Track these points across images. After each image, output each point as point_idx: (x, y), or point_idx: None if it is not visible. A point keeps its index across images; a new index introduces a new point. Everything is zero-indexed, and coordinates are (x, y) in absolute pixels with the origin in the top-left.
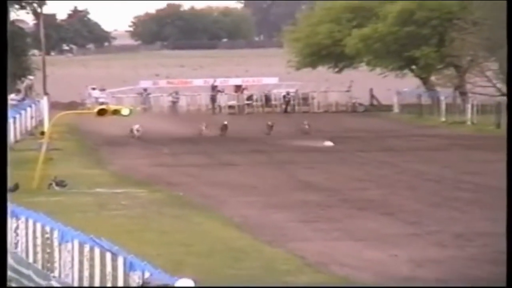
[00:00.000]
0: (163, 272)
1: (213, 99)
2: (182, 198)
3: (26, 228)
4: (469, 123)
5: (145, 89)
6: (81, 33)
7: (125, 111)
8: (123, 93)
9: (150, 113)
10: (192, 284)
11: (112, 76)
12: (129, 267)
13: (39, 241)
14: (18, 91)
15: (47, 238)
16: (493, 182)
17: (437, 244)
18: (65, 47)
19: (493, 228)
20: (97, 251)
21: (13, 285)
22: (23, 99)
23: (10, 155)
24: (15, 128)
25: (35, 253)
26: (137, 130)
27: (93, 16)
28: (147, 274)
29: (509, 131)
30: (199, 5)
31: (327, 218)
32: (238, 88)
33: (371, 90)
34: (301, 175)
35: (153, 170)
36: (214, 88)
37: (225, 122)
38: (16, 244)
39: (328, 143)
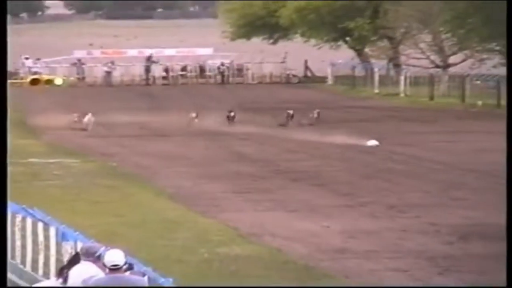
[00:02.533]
0: (95, 242)
1: (147, 70)
2: (115, 169)
3: None
4: (402, 95)
5: (79, 59)
6: (14, 2)
7: (58, 81)
8: (57, 63)
9: (83, 84)
10: (121, 254)
11: (46, 45)
12: (61, 237)
13: None
14: None
15: None
16: (425, 154)
17: (369, 215)
18: None
19: (425, 199)
20: (29, 221)
21: None
22: None
23: None
24: None
25: None
26: (89, 121)
27: None
28: (79, 244)
29: (509, 130)
30: None
31: (260, 189)
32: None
33: (305, 61)
34: (235, 146)
35: (86, 140)
36: (148, 58)
37: (232, 114)
38: None
39: (373, 143)
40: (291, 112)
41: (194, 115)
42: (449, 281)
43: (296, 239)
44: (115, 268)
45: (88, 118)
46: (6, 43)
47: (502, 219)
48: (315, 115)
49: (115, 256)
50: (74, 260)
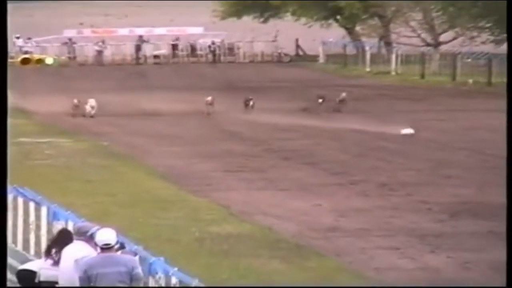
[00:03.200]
0: (87, 221)
1: (137, 49)
2: (106, 148)
3: None
4: (393, 73)
5: (70, 39)
6: None
7: (49, 60)
8: (48, 43)
9: (74, 63)
10: (113, 234)
11: (36, 25)
12: (53, 216)
13: None
14: None
15: None
16: (416, 132)
17: (361, 194)
18: None
19: (416, 178)
20: (20, 200)
21: None
22: None
23: None
24: None
25: None
26: (92, 107)
27: None
28: (70, 223)
29: (509, 131)
30: None
31: (251, 168)
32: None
33: (296, 40)
34: (226, 125)
35: (78, 120)
36: (139, 37)
37: (251, 102)
38: None
39: (408, 131)
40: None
41: (209, 99)
42: (440, 258)
43: (287, 218)
44: (106, 248)
45: (90, 103)
46: (6, 43)
47: (492, 197)
48: (342, 98)
49: (107, 235)
50: (65, 239)
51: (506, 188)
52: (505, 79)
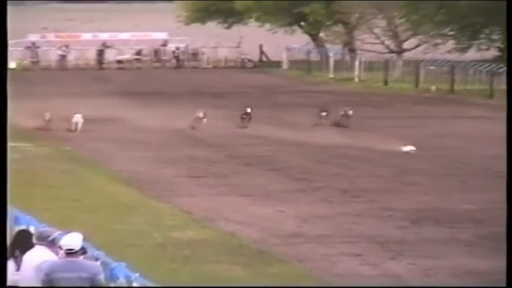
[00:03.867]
0: (49, 227)
1: (101, 54)
2: (70, 153)
3: None
4: (357, 80)
5: (33, 43)
6: None
7: (12, 65)
8: (11, 47)
9: (38, 68)
10: (79, 239)
11: None
12: (14, 222)
13: None
14: None
15: None
16: (379, 139)
17: (323, 200)
18: None
19: (378, 184)
20: None
21: None
22: None
23: None
24: None
25: None
26: (75, 124)
27: None
28: (31, 228)
29: (509, 131)
30: None
31: (214, 174)
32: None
33: (260, 46)
34: (190, 131)
35: (40, 124)
36: (103, 42)
37: (248, 110)
38: None
39: (409, 148)
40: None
41: (201, 114)
42: (402, 265)
43: (249, 224)
44: (70, 252)
45: (76, 118)
46: (7, 42)
47: (456, 204)
48: (349, 112)
49: (73, 240)
50: (25, 240)
51: (506, 188)
52: (468, 86)
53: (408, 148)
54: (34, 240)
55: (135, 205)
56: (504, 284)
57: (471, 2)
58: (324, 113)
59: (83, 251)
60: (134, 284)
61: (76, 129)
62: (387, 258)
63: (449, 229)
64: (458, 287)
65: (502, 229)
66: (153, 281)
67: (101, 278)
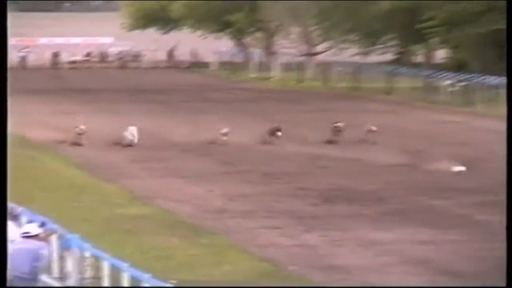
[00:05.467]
0: (12, 204)
1: (56, 55)
2: (30, 140)
3: None
4: (275, 79)
5: None
6: None
7: None
8: None
9: None
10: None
11: None
12: None
13: None
14: None
15: None
16: (294, 129)
17: (247, 181)
18: None
19: (295, 168)
20: None
21: None
22: None
23: None
24: None
25: None
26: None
27: None
28: None
29: (509, 130)
30: None
31: (154, 159)
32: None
33: (193, 49)
34: (133, 122)
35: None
36: (58, 45)
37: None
38: None
39: (459, 168)
40: (340, 125)
41: (224, 131)
42: (315, 237)
43: (184, 201)
44: (27, 236)
45: (131, 131)
46: (7, 43)
47: (362, 184)
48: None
49: (30, 228)
50: None
51: (506, 188)
52: (369, 85)
53: (459, 168)
54: None
55: (86, 186)
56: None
57: (373, 13)
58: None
59: (42, 224)
60: (86, 253)
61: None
62: (302, 231)
63: (355, 206)
64: (458, 287)
65: (400, 205)
66: (102, 250)
67: (44, 252)
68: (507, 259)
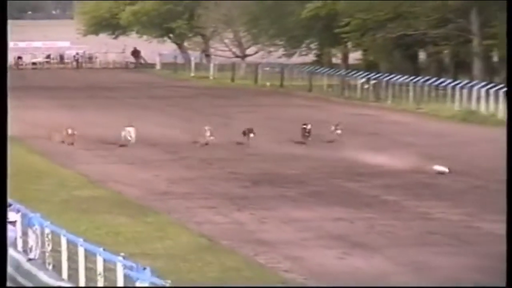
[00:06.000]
0: None
1: (19, 57)
2: None
3: None
4: (211, 77)
5: None
6: None
7: None
8: None
9: None
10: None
11: None
12: None
13: None
14: None
15: None
16: (226, 120)
17: (187, 167)
18: None
19: (227, 155)
20: None
21: None
22: None
23: None
24: None
25: None
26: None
27: None
28: None
29: (509, 130)
30: None
31: (105, 148)
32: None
33: (136, 51)
34: (87, 116)
35: None
36: (21, 49)
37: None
38: None
39: (440, 168)
40: (308, 127)
41: (208, 132)
42: (245, 215)
43: (132, 185)
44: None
45: (129, 132)
46: (6, 43)
47: (285, 169)
48: (338, 131)
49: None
50: None
51: (506, 188)
52: (293, 83)
53: (441, 168)
54: None
55: (46, 171)
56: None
57: (296, 20)
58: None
59: (9, 204)
60: (46, 230)
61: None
62: (234, 210)
63: (280, 188)
64: (458, 287)
65: (319, 188)
66: (60, 227)
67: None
68: (507, 259)
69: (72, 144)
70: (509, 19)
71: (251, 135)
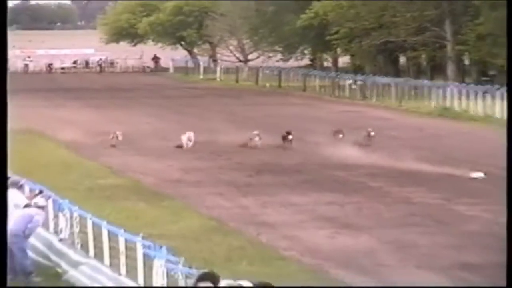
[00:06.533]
0: (15, 175)
1: (50, 63)
2: (26, 127)
3: None
4: (218, 79)
5: None
6: None
7: None
8: None
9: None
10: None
11: None
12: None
13: None
14: None
15: None
16: (231, 117)
17: (198, 158)
18: None
19: (233, 148)
20: None
21: None
22: None
23: None
24: None
25: None
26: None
27: None
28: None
29: (509, 129)
30: (41, 2)
31: (124, 142)
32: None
33: (155, 56)
34: (109, 114)
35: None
36: (51, 56)
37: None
38: None
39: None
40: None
41: (256, 133)
42: (249, 201)
43: (149, 174)
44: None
45: (188, 136)
46: (6, 43)
47: (284, 160)
48: (372, 134)
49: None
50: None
51: (506, 188)
52: (290, 84)
53: (478, 174)
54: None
55: (73, 162)
56: (504, 284)
57: (291, 29)
58: (340, 135)
59: (40, 191)
60: (75, 214)
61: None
62: (240, 196)
63: (280, 177)
64: (458, 287)
65: (313, 176)
66: (86, 211)
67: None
68: (507, 259)
69: (114, 146)
70: (509, 19)
71: (290, 136)
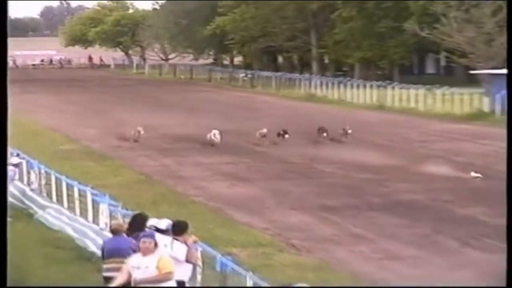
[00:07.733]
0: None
1: (24, 61)
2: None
3: None
4: (146, 73)
5: None
6: None
7: None
8: None
9: None
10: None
11: None
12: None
13: None
14: None
15: None
16: (156, 101)
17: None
18: None
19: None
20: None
21: None
22: None
23: None
24: None
25: None
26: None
27: None
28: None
29: (509, 129)
30: (14, 15)
31: (81, 119)
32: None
33: (100, 57)
34: (67, 97)
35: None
36: (25, 56)
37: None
38: None
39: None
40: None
41: (264, 131)
42: (169, 161)
43: (96, 141)
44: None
45: (214, 133)
46: (6, 44)
47: (196, 132)
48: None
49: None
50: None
51: (506, 189)
52: (198, 76)
53: (475, 175)
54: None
55: (42, 133)
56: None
57: (200, 36)
58: (325, 134)
59: (18, 154)
60: (42, 170)
61: (216, 142)
62: (162, 157)
63: (192, 144)
64: (458, 287)
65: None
66: (51, 169)
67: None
68: (507, 259)
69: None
70: (509, 19)
71: (286, 136)
